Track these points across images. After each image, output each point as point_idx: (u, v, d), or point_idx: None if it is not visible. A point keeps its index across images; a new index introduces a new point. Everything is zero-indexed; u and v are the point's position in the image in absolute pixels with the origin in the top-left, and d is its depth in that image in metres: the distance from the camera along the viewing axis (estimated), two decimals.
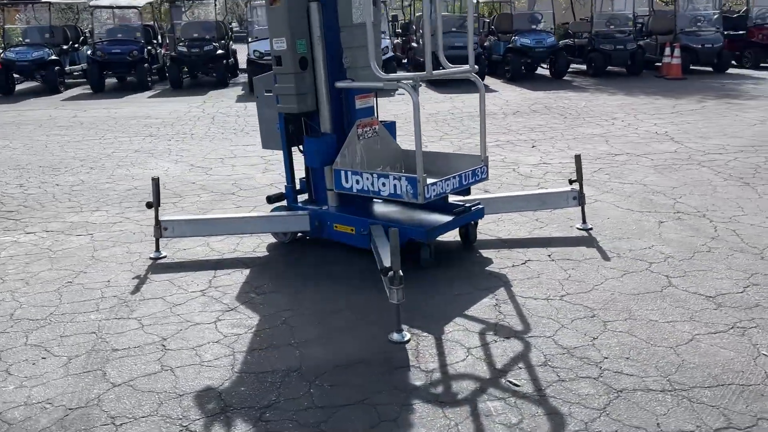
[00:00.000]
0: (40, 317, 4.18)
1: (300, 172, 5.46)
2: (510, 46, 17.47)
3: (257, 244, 5.40)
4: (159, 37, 21.61)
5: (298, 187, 5.47)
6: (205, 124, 11.82)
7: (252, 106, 13.97)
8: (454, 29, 17.36)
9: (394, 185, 4.58)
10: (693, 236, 5.20)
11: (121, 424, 3.05)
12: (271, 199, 5.46)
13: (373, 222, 4.82)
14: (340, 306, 4.22)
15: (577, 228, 5.50)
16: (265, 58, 16.48)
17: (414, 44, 19.65)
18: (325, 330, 3.90)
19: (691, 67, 17.59)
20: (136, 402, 3.22)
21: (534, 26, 18.44)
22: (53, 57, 17.96)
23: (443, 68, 4.89)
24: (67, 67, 19.29)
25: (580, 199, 5.41)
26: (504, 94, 14.71)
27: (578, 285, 4.36)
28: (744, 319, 3.80)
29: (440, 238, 4.95)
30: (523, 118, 11.38)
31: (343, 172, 4.85)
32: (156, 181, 5.11)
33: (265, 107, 5.48)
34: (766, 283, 4.27)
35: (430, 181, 4.50)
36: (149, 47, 19.10)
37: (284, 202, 5.48)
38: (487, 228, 5.44)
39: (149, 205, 5.14)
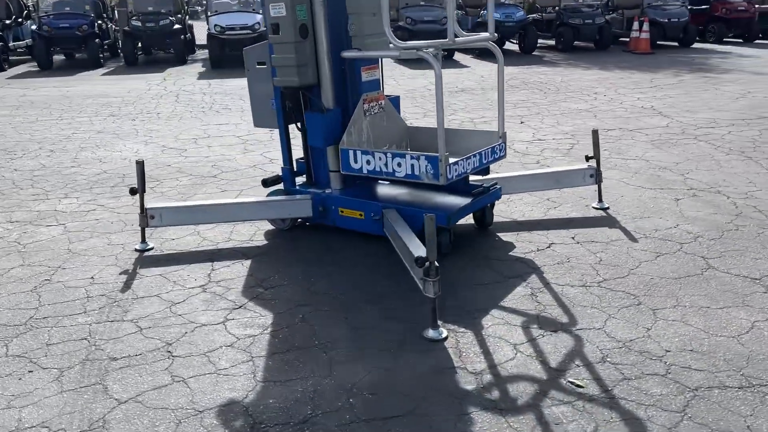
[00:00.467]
0: (18, 322, 3.66)
1: (296, 152, 5.00)
2: (479, 20, 17.11)
3: (253, 232, 4.94)
4: (109, 10, 20.50)
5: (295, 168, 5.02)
6: (170, 103, 11.14)
7: (217, 84, 13.30)
8: (422, 2, 16.91)
9: (412, 165, 4.18)
10: (715, 214, 4.97)
11: None
12: (267, 183, 5.00)
13: (386, 206, 4.42)
14: (359, 299, 3.82)
15: (594, 207, 5.22)
16: (227, 32, 15.76)
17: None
18: (350, 328, 3.50)
19: (658, 42, 17.59)
20: (149, 422, 2.78)
21: (503, 0, 18.12)
22: None
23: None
24: (11, 43, 18.10)
25: (597, 176, 5.12)
26: (477, 70, 14.38)
27: (613, 269, 4.07)
28: None
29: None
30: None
31: (351, 152, 4.42)
32: (141, 165, 4.59)
33: (256, 81, 4.98)
34: None
35: (451, 160, 4.12)
36: (99, 21, 18.06)
37: (281, 186, 5.03)
38: (498, 209, 5.09)
39: (133, 191, 4.62)
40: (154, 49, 18.78)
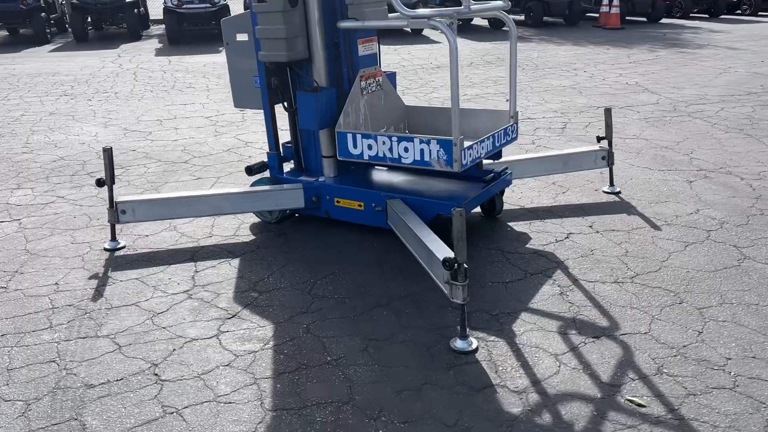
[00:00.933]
0: None
1: (282, 135, 4.49)
2: None
3: (237, 226, 4.44)
4: None
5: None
6: (128, 82, 10.38)
7: (177, 61, 12.54)
8: None
9: (421, 150, 3.74)
10: (734, 197, 4.67)
11: None
12: (251, 170, 4.48)
13: (389, 195, 3.97)
14: (367, 303, 3.38)
15: (604, 191, 4.87)
16: (185, 6, 14.91)
17: None
18: (364, 338, 3.06)
19: (627, 17, 17.39)
20: None
21: None
22: None
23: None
24: None
25: (609, 159, 4.76)
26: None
27: (643, 262, 3.72)
28: None
29: None
30: (480, 70, 10.66)
31: (350, 136, 3.94)
32: (108, 153, 4.02)
33: (237, 56, 4.45)
34: None
35: (466, 144, 3.69)
36: None
37: (267, 174, 4.53)
38: (503, 196, 4.70)
39: (100, 183, 4.06)
40: (106, 23, 17.70)
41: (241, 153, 6.16)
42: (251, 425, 2.51)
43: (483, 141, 3.88)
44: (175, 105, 8.45)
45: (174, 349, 3.01)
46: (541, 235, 4.14)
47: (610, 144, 4.74)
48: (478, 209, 4.42)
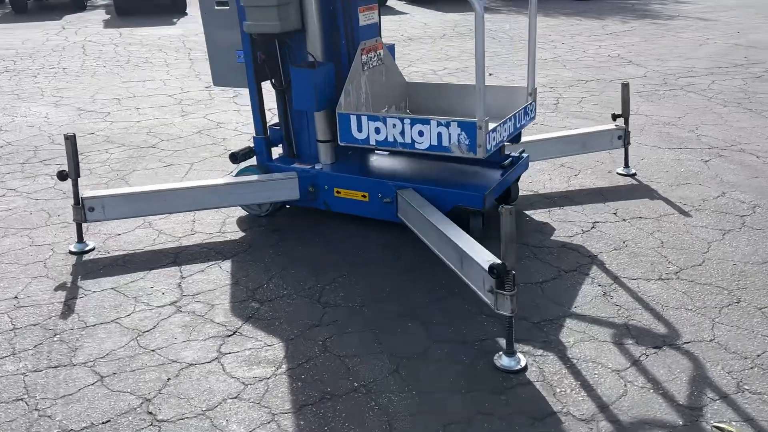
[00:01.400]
0: None
1: (268, 116, 3.99)
2: None
3: (222, 221, 3.92)
4: None
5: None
6: (77, 56, 9.56)
7: (129, 33, 11.68)
8: None
9: (439, 134, 3.29)
10: (756, 177, 4.38)
11: None
12: (236, 157, 3.97)
13: (400, 184, 3.52)
14: (387, 312, 2.95)
15: (619, 173, 4.52)
16: None
17: None
18: (392, 357, 2.63)
19: None
20: None
21: None
22: None
23: None
24: None
25: (625, 138, 4.40)
26: (417, 17, 13.39)
27: (683, 255, 3.38)
28: None
29: None
30: (455, 43, 10.20)
31: (354, 118, 3.46)
32: (72, 142, 3.45)
33: (216, 27, 3.90)
34: None
35: (490, 126, 3.26)
36: None
37: (254, 160, 4.02)
38: None
39: (63, 176, 3.49)
40: None
41: (213, 135, 5.60)
42: None
43: (505, 122, 3.45)
44: (133, 82, 7.76)
45: (169, 379, 2.52)
46: (564, 225, 3.76)
47: (626, 122, 4.38)
48: None
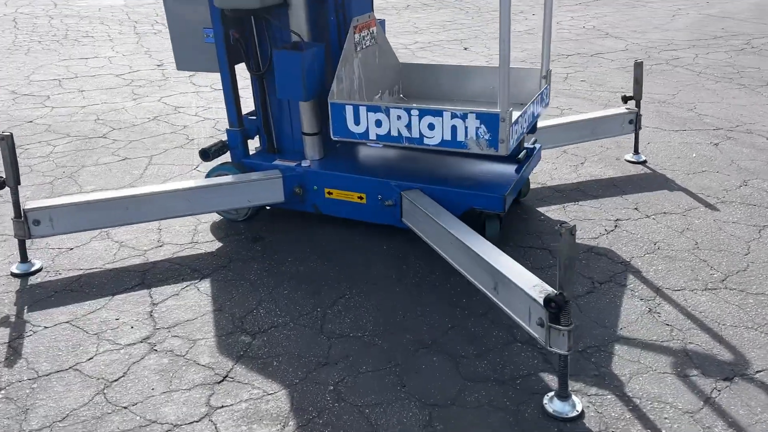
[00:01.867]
0: None
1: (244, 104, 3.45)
2: None
3: (193, 228, 3.39)
4: None
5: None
6: (7, 30, 8.65)
7: (65, 4, 10.70)
8: None
9: (453, 128, 2.82)
10: None
11: None
12: (208, 154, 3.41)
13: (404, 185, 3.05)
14: (407, 343, 2.50)
15: (628, 160, 4.15)
16: None
17: None
18: (422, 406, 2.19)
19: None
20: None
21: None
22: None
23: None
24: None
25: (636, 122, 4.02)
26: None
27: (724, 258, 3.02)
28: None
29: None
30: (421, 14, 9.67)
31: (350, 109, 2.96)
32: (9, 143, 2.84)
33: (180, 1, 3.31)
34: None
35: (514, 115, 2.80)
36: None
37: (228, 156, 3.48)
38: None
39: (0, 185, 2.89)
40: None
41: (172, 122, 4.99)
42: None
43: (525, 111, 3.01)
44: (74, 60, 6.99)
45: None
46: (584, 224, 3.36)
47: (638, 105, 4.00)
48: None
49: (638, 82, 3.96)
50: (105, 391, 2.26)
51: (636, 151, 4.17)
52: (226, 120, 3.39)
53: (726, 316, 2.61)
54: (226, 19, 3.12)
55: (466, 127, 2.79)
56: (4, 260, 3.09)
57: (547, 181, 3.89)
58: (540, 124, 3.93)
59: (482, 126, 2.76)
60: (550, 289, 2.10)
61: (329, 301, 2.76)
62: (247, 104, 3.43)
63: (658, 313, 2.64)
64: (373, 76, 3.39)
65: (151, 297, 2.79)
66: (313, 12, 3.12)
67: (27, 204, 2.93)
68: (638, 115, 4.00)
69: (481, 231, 2.85)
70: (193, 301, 2.76)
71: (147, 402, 2.20)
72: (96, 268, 3.03)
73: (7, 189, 2.90)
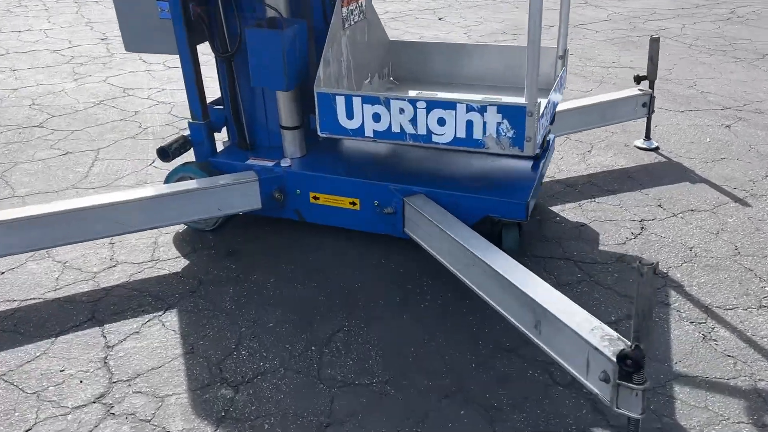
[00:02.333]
0: None
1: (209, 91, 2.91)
2: None
3: (152, 242, 2.85)
4: None
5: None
6: None
7: None
8: None
9: (468, 123, 2.35)
10: None
11: None
12: (167, 153, 2.86)
13: (405, 189, 2.57)
14: (426, 390, 2.06)
15: (639, 147, 3.76)
16: None
17: None
18: None
19: None
20: None
21: None
22: None
23: None
24: None
25: (650, 105, 3.62)
26: None
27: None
28: None
29: None
30: None
31: (341, 101, 2.45)
32: None
33: None
34: None
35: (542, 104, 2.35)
36: None
37: (191, 154, 2.94)
38: None
39: None
40: None
41: (121, 107, 4.37)
42: None
43: (548, 101, 2.55)
44: (4, 33, 6.22)
45: None
46: (606, 226, 2.95)
47: (651, 85, 3.60)
48: None
49: (653, 61, 3.56)
50: None
51: (648, 137, 3.78)
52: (184, 104, 2.86)
53: None
54: None
55: (484, 123, 2.32)
56: None
57: (555, 173, 3.47)
58: (562, 106, 3.50)
59: (505, 121, 2.30)
60: (613, 334, 1.69)
61: (324, 336, 2.29)
62: (212, 90, 2.89)
63: (715, 340, 2.26)
64: (362, 58, 2.88)
65: (105, 337, 2.27)
66: None
67: None
68: (652, 97, 3.60)
69: (497, 242, 2.42)
70: (158, 341, 2.26)
71: None
72: (34, 298, 2.48)
73: None
